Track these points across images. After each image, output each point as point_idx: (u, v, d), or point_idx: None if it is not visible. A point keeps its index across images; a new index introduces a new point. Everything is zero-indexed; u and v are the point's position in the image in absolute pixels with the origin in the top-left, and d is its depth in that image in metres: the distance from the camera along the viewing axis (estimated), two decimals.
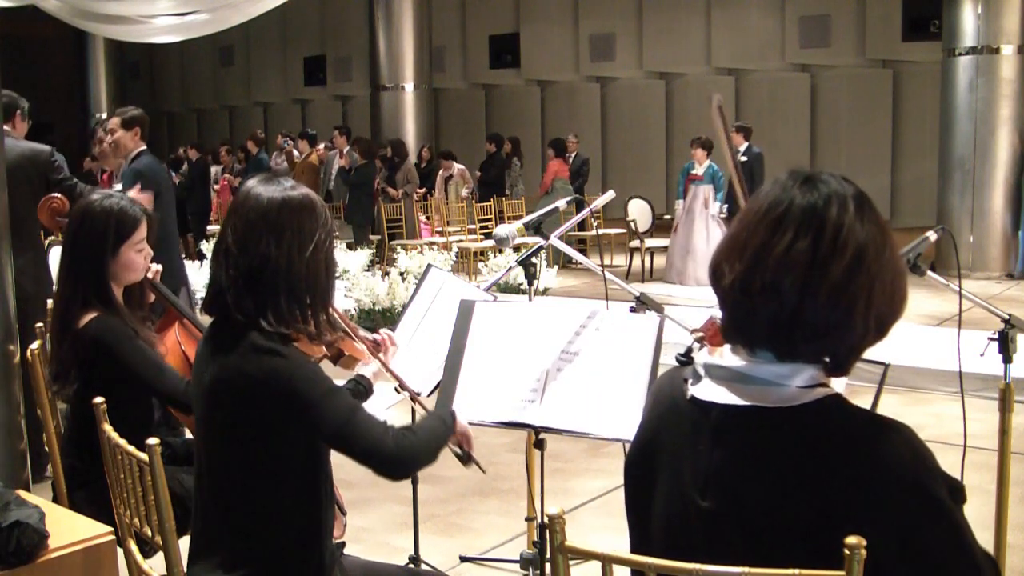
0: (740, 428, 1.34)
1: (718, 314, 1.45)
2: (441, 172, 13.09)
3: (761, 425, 1.32)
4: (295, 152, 13.10)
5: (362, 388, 2.32)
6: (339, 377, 2.26)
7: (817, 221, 1.30)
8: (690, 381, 1.41)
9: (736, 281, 1.32)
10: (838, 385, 1.39)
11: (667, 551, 1.34)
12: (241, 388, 1.88)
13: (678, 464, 1.40)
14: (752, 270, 1.31)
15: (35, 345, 2.82)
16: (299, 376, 1.88)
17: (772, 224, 1.31)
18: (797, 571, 1.22)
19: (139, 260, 2.73)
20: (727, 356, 1.38)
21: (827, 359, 1.33)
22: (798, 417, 1.31)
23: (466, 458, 2.17)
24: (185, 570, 1.95)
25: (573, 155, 12.06)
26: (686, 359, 1.48)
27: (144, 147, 5.03)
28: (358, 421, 1.92)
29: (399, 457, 1.94)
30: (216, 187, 13.76)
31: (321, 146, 12.99)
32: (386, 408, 2.15)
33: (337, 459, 2.02)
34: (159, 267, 2.88)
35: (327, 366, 2.23)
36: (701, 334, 1.50)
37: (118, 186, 4.98)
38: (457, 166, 12.66)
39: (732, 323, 1.37)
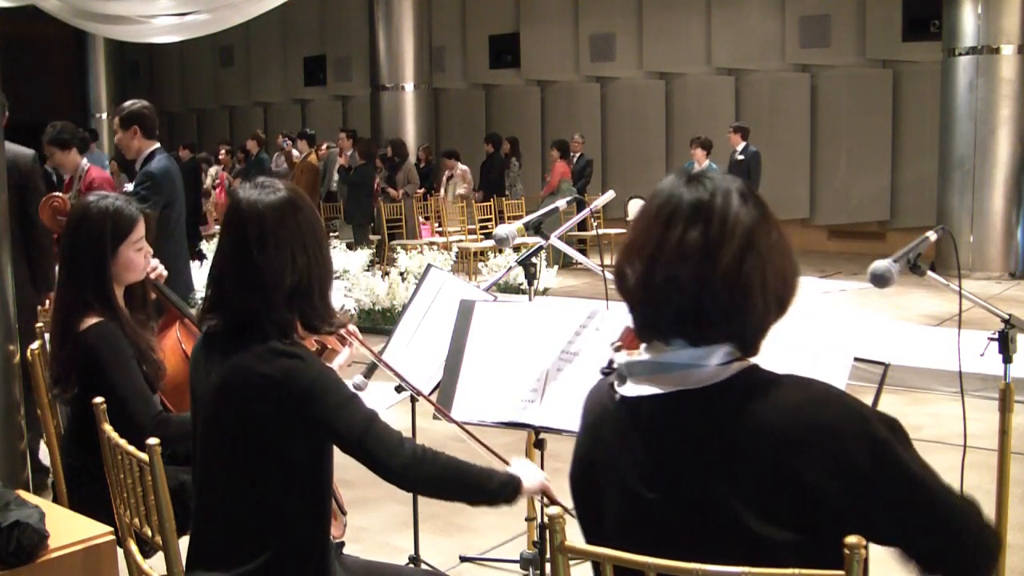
0: (670, 415, 1.38)
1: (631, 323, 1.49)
2: (446, 173, 13.09)
3: (688, 407, 1.37)
4: (295, 152, 13.10)
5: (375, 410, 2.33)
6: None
7: (705, 212, 1.37)
8: (616, 384, 1.46)
9: (638, 280, 1.38)
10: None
11: (625, 549, 1.35)
12: (255, 387, 1.89)
13: (618, 465, 1.43)
14: (651, 267, 1.37)
15: (35, 345, 2.82)
16: (320, 381, 1.90)
17: (664, 221, 1.38)
18: (797, 571, 1.22)
19: (139, 259, 2.72)
20: (643, 353, 1.44)
21: (737, 340, 1.38)
22: (722, 392, 1.36)
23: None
24: (184, 571, 1.95)
25: (577, 156, 12.08)
26: (609, 370, 1.52)
27: (156, 145, 4.68)
28: (376, 431, 1.93)
29: (407, 474, 1.96)
30: (215, 187, 13.76)
31: (324, 146, 12.98)
32: (386, 408, 2.16)
33: (338, 458, 2.02)
34: (161, 269, 2.87)
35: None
36: (619, 343, 1.55)
37: (129, 186, 4.75)
38: (460, 166, 12.66)
39: (642, 321, 1.43)
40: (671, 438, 1.38)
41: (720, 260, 1.34)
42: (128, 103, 4.70)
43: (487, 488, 2.08)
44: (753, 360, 1.41)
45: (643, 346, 1.44)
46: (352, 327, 2.40)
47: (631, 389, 1.43)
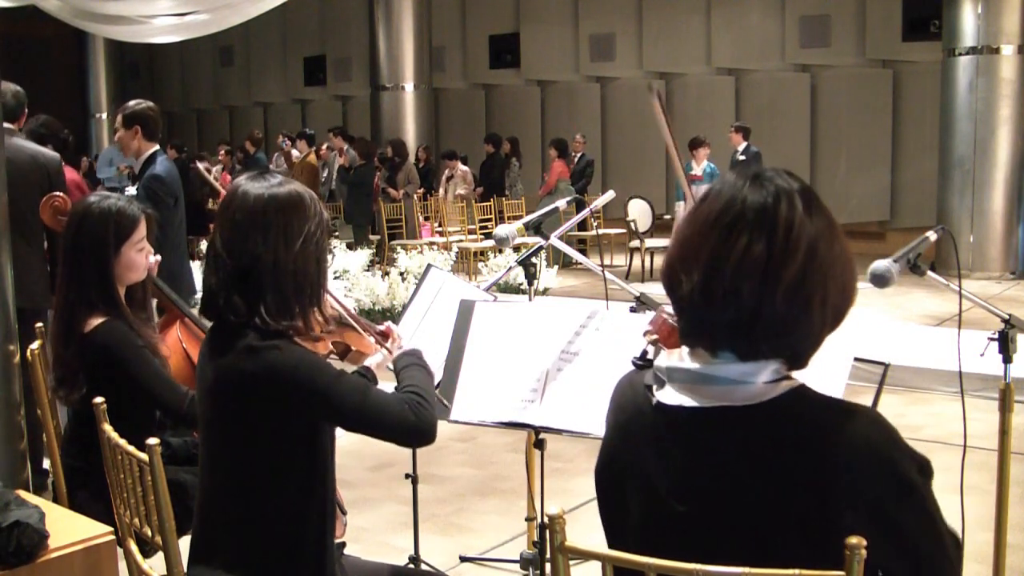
0: (709, 430, 1.34)
1: (667, 310, 1.46)
2: (446, 172, 13.09)
3: (730, 425, 1.33)
4: (294, 152, 13.09)
5: (367, 379, 2.30)
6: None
7: (769, 221, 1.31)
8: (654, 387, 1.41)
9: (695, 289, 1.33)
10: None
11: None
12: (243, 387, 1.88)
13: (649, 471, 1.39)
14: (710, 278, 1.32)
15: (35, 345, 2.82)
16: (303, 366, 1.89)
17: (726, 229, 1.32)
18: (797, 571, 1.22)
19: (140, 259, 2.72)
20: (687, 359, 1.38)
21: (789, 354, 1.35)
22: (766, 413, 1.32)
23: None
24: (185, 570, 1.95)
25: (578, 155, 12.08)
26: (643, 362, 1.48)
27: (155, 147, 4.65)
28: (373, 400, 1.94)
29: (421, 427, 1.97)
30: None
31: (324, 147, 12.97)
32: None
33: (339, 459, 2.02)
34: (158, 257, 2.87)
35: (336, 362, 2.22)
36: (655, 336, 1.50)
37: (131, 189, 4.69)
38: (461, 167, 12.66)
39: (692, 328, 1.37)
40: (709, 454, 1.34)
41: (784, 275, 1.29)
42: (133, 102, 4.69)
43: (431, 376, 2.17)
44: (798, 378, 1.37)
45: (686, 350, 1.39)
46: (392, 324, 2.34)
47: (670, 396, 1.38)
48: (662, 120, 2.66)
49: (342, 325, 2.29)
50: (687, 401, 1.36)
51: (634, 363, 1.51)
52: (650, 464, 1.39)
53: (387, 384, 2.10)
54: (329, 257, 2.02)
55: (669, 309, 1.46)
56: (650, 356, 1.46)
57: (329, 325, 2.13)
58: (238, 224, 1.92)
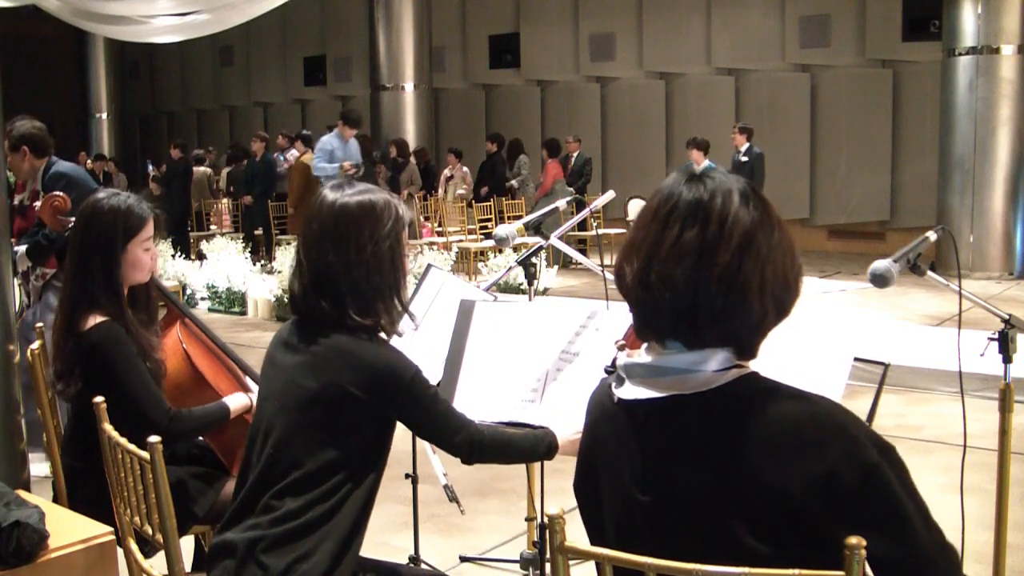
0: (665, 419, 1.38)
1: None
2: (446, 171, 13.08)
3: (683, 412, 1.36)
4: (293, 153, 13.07)
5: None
6: None
7: (703, 212, 1.37)
8: (614, 385, 1.46)
9: (634, 278, 1.38)
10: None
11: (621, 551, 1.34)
12: (355, 372, 2.00)
13: (617, 466, 1.43)
14: (647, 266, 1.37)
15: (35, 345, 2.82)
16: (417, 384, 2.09)
17: (662, 220, 1.38)
18: (797, 571, 1.22)
19: (146, 259, 2.72)
20: (642, 354, 1.43)
21: (733, 342, 1.37)
22: (717, 399, 1.35)
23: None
24: (218, 533, 2.04)
25: (575, 155, 12.08)
26: (612, 368, 1.52)
27: (47, 159, 4.51)
28: (441, 407, 2.14)
29: (468, 444, 2.16)
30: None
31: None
32: None
33: None
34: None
35: None
36: (623, 342, 1.55)
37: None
38: (462, 167, 12.67)
39: (639, 319, 1.43)
40: (665, 443, 1.38)
41: (716, 261, 1.33)
42: (14, 123, 4.50)
43: (537, 452, 2.30)
44: (751, 366, 1.40)
45: (644, 346, 1.44)
46: None
47: (628, 392, 1.43)
48: None
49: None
50: (643, 394, 1.40)
51: (605, 371, 1.55)
52: (616, 460, 1.44)
53: None
54: (408, 253, 2.16)
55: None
56: (619, 362, 1.49)
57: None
58: (313, 234, 2.07)
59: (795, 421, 1.31)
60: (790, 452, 1.29)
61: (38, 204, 4.52)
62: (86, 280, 2.62)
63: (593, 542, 1.50)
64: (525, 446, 2.26)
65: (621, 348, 1.52)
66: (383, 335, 2.10)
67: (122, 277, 2.67)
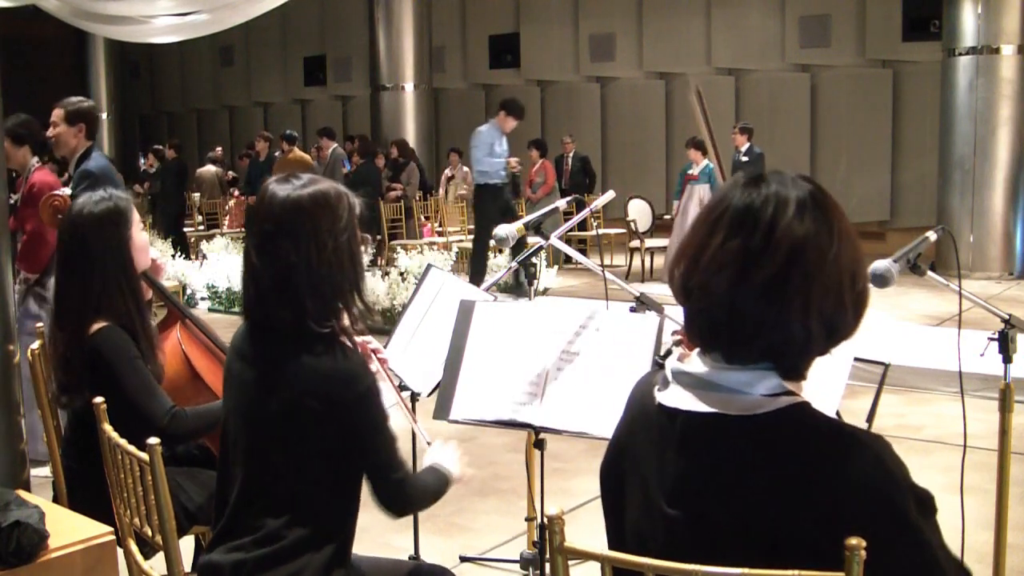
0: (704, 436, 1.33)
1: None
2: (447, 170, 13.07)
3: (725, 434, 1.31)
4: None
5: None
6: None
7: (750, 220, 1.30)
8: (658, 387, 1.41)
9: (678, 282, 1.35)
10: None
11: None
12: (314, 384, 1.91)
13: (646, 470, 1.39)
14: (689, 272, 1.33)
15: (35, 345, 2.82)
16: (372, 392, 1.95)
17: (710, 226, 1.33)
18: (797, 572, 1.22)
19: (146, 240, 2.75)
20: (695, 361, 1.38)
21: (776, 361, 1.31)
22: (762, 426, 1.29)
23: None
24: (207, 551, 1.99)
25: (570, 155, 12.11)
26: (663, 360, 1.49)
27: (90, 144, 4.60)
28: (388, 459, 2.00)
29: (400, 510, 2.09)
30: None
31: (331, 148, 12.90)
32: (388, 407, 2.16)
33: None
34: (160, 257, 2.88)
35: None
36: (678, 336, 1.52)
37: (66, 190, 4.47)
38: (463, 167, 12.65)
39: (685, 323, 1.39)
40: (702, 460, 1.33)
41: (758, 272, 1.27)
42: (74, 100, 4.61)
43: (443, 493, 2.19)
44: (801, 395, 1.33)
45: (696, 351, 1.39)
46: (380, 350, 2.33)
47: (670, 397, 1.38)
48: (700, 120, 2.66)
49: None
50: (685, 404, 1.35)
51: (655, 361, 1.51)
52: (648, 464, 1.39)
53: (386, 386, 2.10)
54: (364, 248, 2.04)
55: None
56: (672, 355, 1.46)
57: (372, 315, 2.13)
58: (267, 233, 1.93)
59: (839, 462, 1.26)
60: (831, 494, 1.25)
61: (65, 190, 4.56)
62: (89, 290, 2.59)
63: (611, 540, 1.48)
64: (440, 490, 2.17)
65: (678, 343, 1.48)
66: (344, 339, 1.98)
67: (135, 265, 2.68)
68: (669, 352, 1.47)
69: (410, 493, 2.05)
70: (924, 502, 1.28)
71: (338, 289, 1.96)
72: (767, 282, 1.27)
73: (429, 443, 2.27)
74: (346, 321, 1.98)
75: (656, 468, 1.38)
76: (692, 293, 1.32)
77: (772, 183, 1.33)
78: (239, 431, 2.01)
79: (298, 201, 1.93)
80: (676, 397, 1.37)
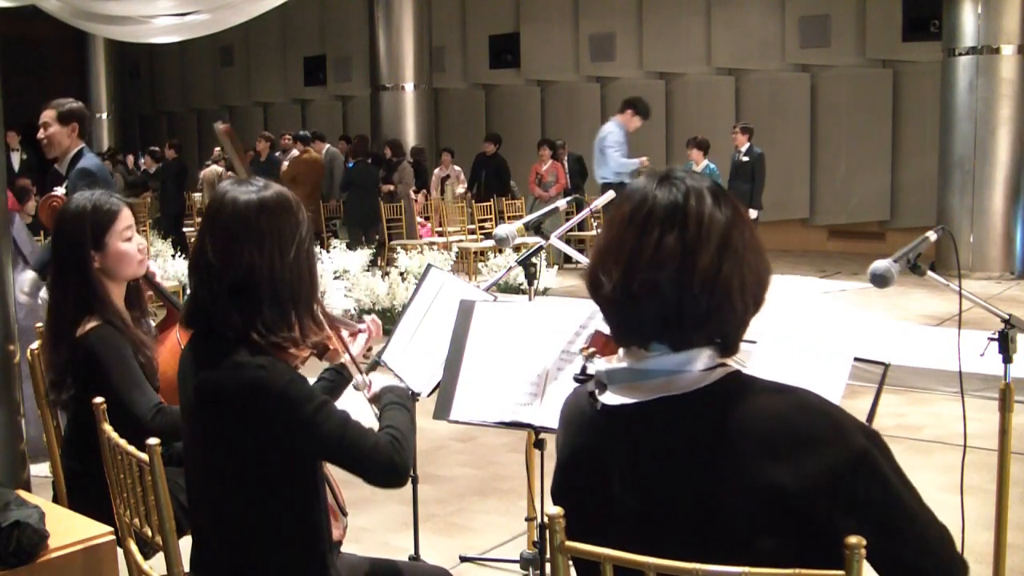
0: (652, 422, 1.37)
1: (602, 328, 1.49)
2: (438, 171, 13.07)
3: (672, 414, 1.36)
4: (293, 153, 13.06)
5: (342, 377, 2.26)
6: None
7: (680, 215, 1.36)
8: (596, 392, 1.44)
9: (616, 286, 1.37)
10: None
11: None
12: (226, 403, 1.85)
13: (603, 473, 1.41)
14: (629, 273, 1.35)
15: (35, 345, 2.82)
16: (289, 393, 1.84)
17: (639, 225, 1.37)
18: (797, 571, 1.22)
19: (131, 250, 2.64)
20: (623, 359, 1.42)
21: (718, 340, 1.38)
22: (706, 398, 1.35)
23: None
24: (187, 572, 1.95)
25: (565, 157, 12.18)
26: (584, 377, 1.50)
27: (83, 145, 4.56)
28: (352, 436, 1.88)
29: (395, 470, 1.91)
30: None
31: (326, 147, 12.93)
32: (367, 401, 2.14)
33: None
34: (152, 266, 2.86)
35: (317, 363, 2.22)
36: (593, 349, 1.54)
37: (60, 189, 4.48)
38: (455, 167, 12.66)
39: (621, 326, 1.41)
40: (654, 445, 1.36)
41: (698, 264, 1.33)
42: (65, 100, 4.58)
43: (414, 414, 2.09)
44: (734, 364, 1.40)
45: (621, 352, 1.43)
46: (375, 318, 2.30)
47: (612, 398, 1.41)
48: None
49: (334, 323, 2.27)
50: (628, 398, 1.39)
51: (576, 379, 1.53)
52: (602, 467, 1.41)
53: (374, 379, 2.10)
54: (318, 262, 1.99)
55: (602, 326, 1.49)
56: (589, 371, 1.48)
57: (323, 331, 2.08)
58: (230, 233, 1.86)
59: (782, 415, 1.32)
60: (782, 447, 1.29)
61: (59, 189, 4.54)
62: (66, 285, 2.59)
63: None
64: (410, 412, 2.06)
65: (590, 356, 1.51)
66: (292, 350, 1.91)
67: (110, 274, 2.63)
68: (584, 368, 1.48)
69: (396, 450, 1.92)
70: (870, 433, 1.34)
71: (294, 300, 1.91)
72: (707, 270, 1.33)
73: (357, 388, 2.18)
74: (296, 333, 1.92)
75: (613, 467, 1.40)
76: (636, 294, 1.35)
77: (680, 178, 1.40)
78: (187, 457, 2.00)
79: (263, 202, 1.88)
80: (617, 396, 1.40)
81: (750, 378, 1.38)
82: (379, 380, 2.19)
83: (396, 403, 2.08)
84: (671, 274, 1.33)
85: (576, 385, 1.55)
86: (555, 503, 1.51)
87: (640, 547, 1.30)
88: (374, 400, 2.13)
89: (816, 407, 1.34)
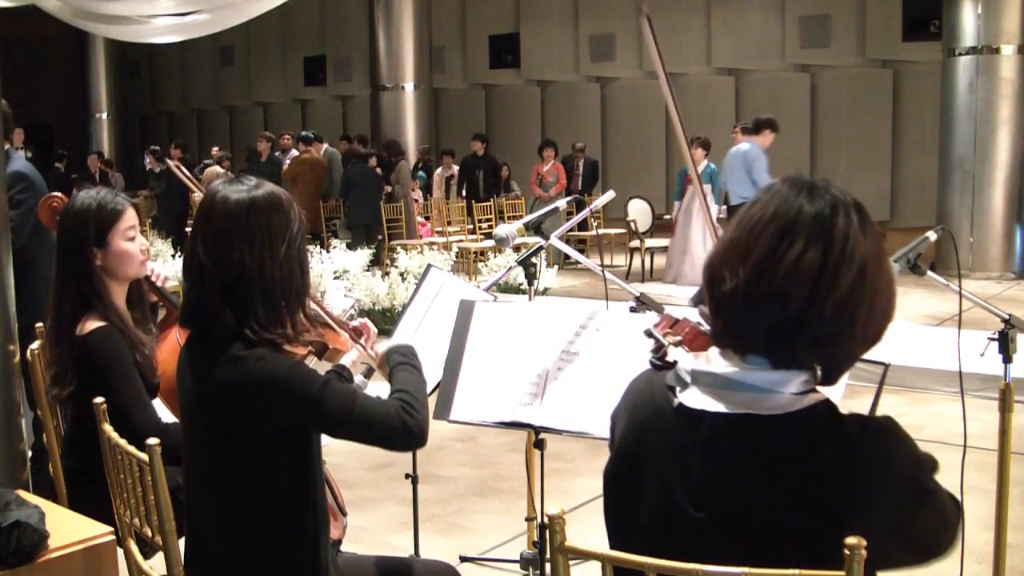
0: (733, 437, 1.32)
1: (691, 317, 1.45)
2: (440, 171, 13.07)
3: (755, 433, 1.31)
4: (294, 153, 13.07)
5: (343, 377, 2.28)
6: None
7: (827, 231, 1.30)
8: (677, 388, 1.39)
9: (740, 286, 1.31)
10: (838, 386, 1.38)
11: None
12: (230, 399, 1.85)
13: (665, 474, 1.37)
14: (758, 276, 1.30)
15: (35, 345, 2.81)
16: (292, 376, 1.85)
17: (779, 231, 1.31)
18: (797, 571, 1.22)
19: (133, 249, 2.65)
20: (715, 362, 1.37)
21: (820, 367, 1.34)
22: (793, 424, 1.30)
23: None
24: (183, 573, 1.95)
25: (581, 160, 12.23)
26: (662, 363, 1.47)
27: (8, 146, 4.21)
28: (362, 406, 1.90)
29: (411, 432, 1.92)
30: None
31: (324, 146, 12.95)
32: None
33: (338, 459, 2.01)
34: (157, 270, 2.85)
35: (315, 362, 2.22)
36: (678, 337, 1.50)
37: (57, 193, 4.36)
38: (455, 166, 12.65)
39: (728, 328, 1.36)
40: (730, 461, 1.32)
41: (836, 286, 1.28)
42: None
43: (422, 373, 2.12)
44: (823, 392, 1.36)
45: (713, 351, 1.38)
46: (370, 326, 2.31)
47: (693, 399, 1.36)
48: (653, 50, 2.59)
49: (318, 323, 2.27)
50: (711, 405, 1.34)
51: (652, 363, 1.49)
52: (667, 467, 1.37)
53: (383, 385, 2.10)
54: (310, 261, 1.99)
55: (693, 318, 1.46)
56: (670, 358, 1.44)
57: (315, 328, 2.09)
58: (221, 232, 1.87)
59: (870, 457, 1.29)
60: (862, 486, 1.28)
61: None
62: (68, 283, 2.58)
63: (613, 541, 1.46)
64: (418, 370, 2.09)
65: (677, 344, 1.47)
66: (287, 347, 1.92)
67: (112, 274, 2.63)
68: (664, 353, 1.45)
69: (409, 412, 1.93)
70: (934, 466, 1.37)
71: (286, 298, 1.92)
72: (844, 293, 1.29)
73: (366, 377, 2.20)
74: (289, 330, 1.93)
75: (677, 471, 1.36)
76: (759, 299, 1.30)
77: (827, 188, 1.34)
78: (186, 453, 2.00)
79: (254, 201, 1.89)
80: (699, 398, 1.36)
81: (838, 409, 1.34)
82: (382, 343, 2.20)
83: (403, 363, 2.10)
84: (805, 289, 1.28)
85: (648, 368, 1.50)
86: (607, 486, 1.48)
87: (697, 559, 1.27)
88: (381, 364, 2.15)
89: (899, 447, 1.32)
